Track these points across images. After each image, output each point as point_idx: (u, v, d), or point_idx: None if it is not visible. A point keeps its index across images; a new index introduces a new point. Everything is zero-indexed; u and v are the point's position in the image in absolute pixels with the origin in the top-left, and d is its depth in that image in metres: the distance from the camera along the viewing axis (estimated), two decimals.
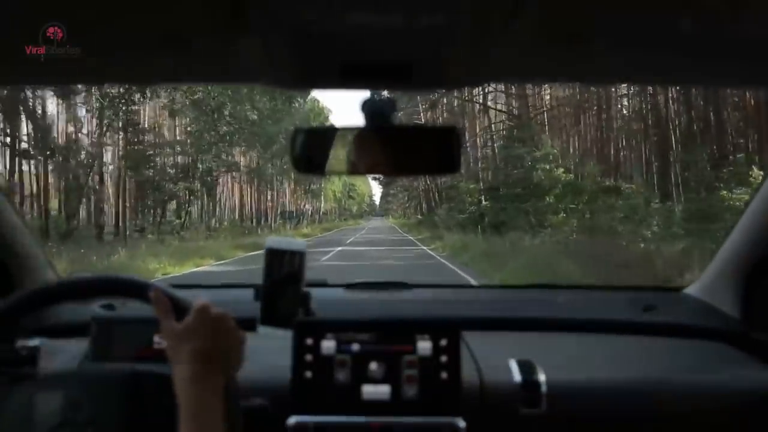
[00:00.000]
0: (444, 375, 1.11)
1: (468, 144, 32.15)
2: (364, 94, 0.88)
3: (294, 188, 49.17)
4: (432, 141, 0.91)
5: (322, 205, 67.83)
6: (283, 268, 1.16)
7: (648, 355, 1.35)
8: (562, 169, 19.93)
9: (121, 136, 24.88)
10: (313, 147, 0.92)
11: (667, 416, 1.17)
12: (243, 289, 1.29)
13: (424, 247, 21.40)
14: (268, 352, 1.12)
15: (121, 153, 25.50)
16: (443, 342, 1.13)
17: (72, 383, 0.97)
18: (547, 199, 19.30)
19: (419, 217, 52.13)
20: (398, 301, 1.69)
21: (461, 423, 1.08)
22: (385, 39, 0.63)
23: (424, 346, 1.13)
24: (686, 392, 1.19)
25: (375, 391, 1.11)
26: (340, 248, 20.88)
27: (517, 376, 1.17)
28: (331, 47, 0.65)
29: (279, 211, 42.50)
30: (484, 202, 23.52)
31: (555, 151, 21.51)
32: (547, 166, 19.79)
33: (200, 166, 26.73)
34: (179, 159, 28.33)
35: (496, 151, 26.06)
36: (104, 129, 23.12)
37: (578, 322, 1.49)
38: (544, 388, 1.14)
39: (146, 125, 28.11)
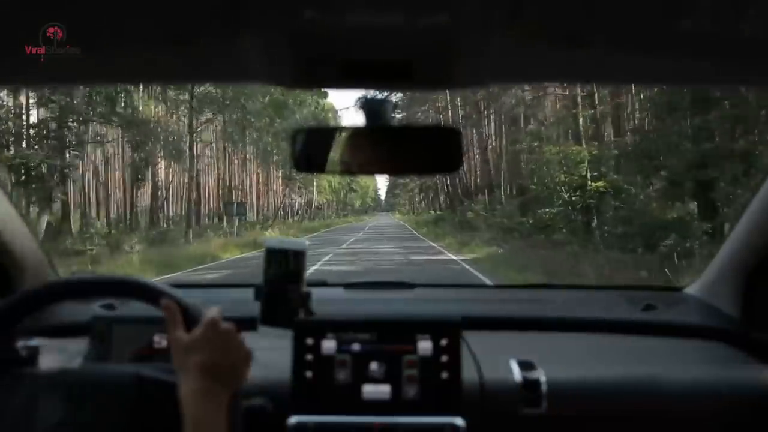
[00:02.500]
0: (444, 375, 1.11)
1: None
2: (365, 94, 0.89)
3: (268, 174, 37.65)
4: (432, 141, 0.91)
5: (315, 197, 54.16)
6: (283, 267, 1.16)
7: (648, 355, 1.35)
8: None
9: None
10: (313, 146, 0.92)
11: (667, 416, 1.17)
12: (243, 289, 1.29)
13: None
14: (268, 352, 1.11)
15: None
16: (444, 342, 1.13)
17: (72, 383, 0.97)
18: None
19: (433, 212, 40.90)
20: (399, 301, 1.69)
21: (461, 423, 1.08)
22: (385, 37, 0.63)
23: (425, 345, 1.13)
24: (686, 392, 1.19)
25: (375, 390, 1.11)
26: None
27: (517, 376, 1.17)
28: (331, 46, 0.65)
29: (224, 204, 30.27)
30: (590, 184, 13.41)
31: None
32: None
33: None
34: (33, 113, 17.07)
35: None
36: None
37: (578, 321, 1.49)
38: (544, 388, 1.14)
39: None
